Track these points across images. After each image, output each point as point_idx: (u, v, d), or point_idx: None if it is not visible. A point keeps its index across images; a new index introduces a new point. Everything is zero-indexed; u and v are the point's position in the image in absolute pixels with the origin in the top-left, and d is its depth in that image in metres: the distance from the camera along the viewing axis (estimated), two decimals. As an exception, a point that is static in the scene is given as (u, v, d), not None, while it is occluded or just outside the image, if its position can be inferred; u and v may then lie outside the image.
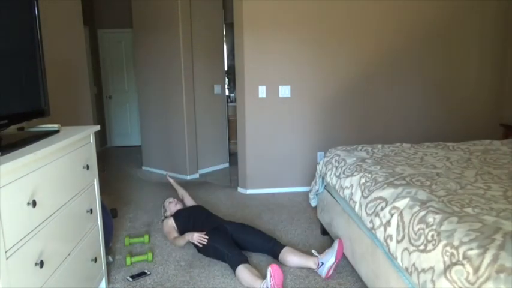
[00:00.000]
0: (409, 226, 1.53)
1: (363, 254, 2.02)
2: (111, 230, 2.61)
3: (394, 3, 3.89)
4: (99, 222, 2.13)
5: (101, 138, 6.59)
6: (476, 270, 1.13)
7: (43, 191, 1.46)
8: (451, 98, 4.16)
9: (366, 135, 4.12)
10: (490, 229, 1.27)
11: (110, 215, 2.66)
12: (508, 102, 4.17)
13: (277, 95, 3.94)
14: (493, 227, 1.29)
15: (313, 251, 2.43)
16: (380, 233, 1.72)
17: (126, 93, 6.75)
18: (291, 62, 3.90)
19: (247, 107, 3.94)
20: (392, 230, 1.63)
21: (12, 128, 1.69)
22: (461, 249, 1.21)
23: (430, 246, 1.36)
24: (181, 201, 3.20)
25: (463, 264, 1.18)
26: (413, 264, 1.43)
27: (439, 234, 1.34)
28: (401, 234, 1.56)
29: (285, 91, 3.93)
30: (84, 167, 1.90)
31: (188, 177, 4.67)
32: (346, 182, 2.24)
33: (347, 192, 2.20)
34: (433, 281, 1.29)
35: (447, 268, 1.24)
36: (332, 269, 2.29)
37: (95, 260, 2.02)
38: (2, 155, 1.27)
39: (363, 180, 2.08)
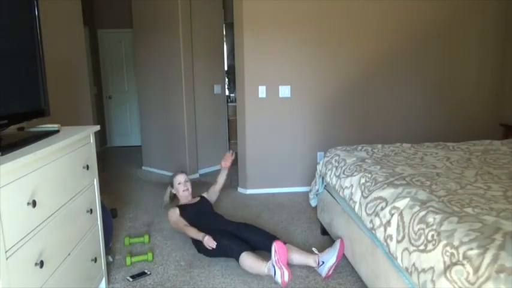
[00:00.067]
0: (409, 226, 1.53)
1: (363, 254, 2.02)
2: (111, 230, 2.61)
3: (394, 3, 3.89)
4: (99, 222, 2.13)
5: (101, 138, 6.59)
6: (476, 270, 1.13)
7: (43, 191, 1.46)
8: (451, 98, 4.16)
9: (366, 135, 4.11)
10: (490, 229, 1.27)
11: (110, 215, 2.66)
12: (508, 102, 4.17)
13: (277, 95, 3.94)
14: (493, 227, 1.29)
15: (313, 249, 2.43)
16: (380, 233, 1.72)
17: (126, 93, 6.75)
18: (291, 62, 3.90)
19: (247, 107, 3.94)
20: (392, 230, 1.63)
21: (12, 128, 1.69)
22: (461, 249, 1.21)
23: (430, 246, 1.35)
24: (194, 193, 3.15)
25: (463, 264, 1.18)
26: (413, 264, 1.43)
27: (439, 234, 1.34)
28: (401, 234, 1.56)
29: (285, 91, 3.93)
30: (84, 167, 1.89)
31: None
32: (346, 182, 2.24)
33: (347, 192, 2.20)
34: (433, 281, 1.29)
35: (447, 268, 1.24)
36: (332, 268, 2.29)
37: (95, 260, 2.02)
38: (2, 155, 1.27)
39: (363, 180, 2.08)
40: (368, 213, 1.88)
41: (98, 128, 2.08)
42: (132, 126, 6.83)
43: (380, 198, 1.82)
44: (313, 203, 3.00)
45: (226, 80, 5.86)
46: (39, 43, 1.75)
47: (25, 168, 1.33)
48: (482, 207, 1.47)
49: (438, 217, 1.42)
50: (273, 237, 2.55)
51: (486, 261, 1.13)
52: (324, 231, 2.91)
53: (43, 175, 1.46)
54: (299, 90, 3.96)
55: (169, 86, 4.61)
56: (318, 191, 2.88)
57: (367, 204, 1.91)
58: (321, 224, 2.92)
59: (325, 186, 2.79)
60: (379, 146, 2.75)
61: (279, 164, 4.07)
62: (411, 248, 1.46)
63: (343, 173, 2.34)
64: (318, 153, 4.09)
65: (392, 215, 1.66)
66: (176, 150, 4.71)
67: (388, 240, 1.64)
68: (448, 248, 1.27)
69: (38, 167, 1.42)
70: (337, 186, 2.38)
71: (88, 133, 1.95)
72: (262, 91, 3.91)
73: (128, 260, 2.51)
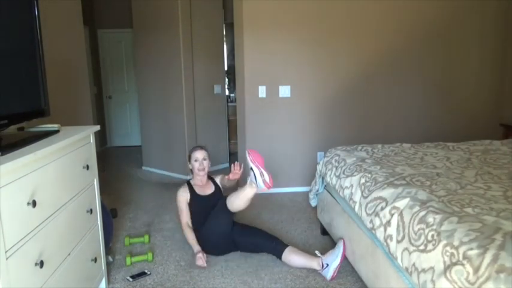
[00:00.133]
0: (409, 226, 1.53)
1: (363, 254, 2.02)
2: (111, 230, 2.61)
3: (394, 3, 3.89)
4: (99, 222, 2.13)
5: (101, 138, 6.59)
6: (476, 270, 1.13)
7: (43, 191, 1.45)
8: (451, 98, 4.16)
9: (366, 135, 4.11)
10: (490, 229, 1.27)
11: (110, 215, 2.66)
12: (508, 102, 4.17)
13: (277, 95, 3.94)
14: (493, 227, 1.29)
15: (316, 252, 2.42)
16: (380, 233, 1.72)
17: (126, 93, 6.75)
18: (291, 62, 3.89)
19: (247, 107, 3.94)
20: (392, 230, 1.63)
21: (12, 128, 1.69)
22: (461, 249, 1.21)
23: (430, 246, 1.35)
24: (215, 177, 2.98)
25: (463, 264, 1.18)
26: (413, 264, 1.43)
27: (439, 234, 1.34)
28: (401, 234, 1.56)
29: (285, 91, 3.93)
30: (84, 167, 1.89)
31: (188, 177, 4.66)
32: (346, 182, 2.24)
33: (347, 192, 2.20)
34: (433, 281, 1.29)
35: (447, 268, 1.24)
36: (337, 270, 2.28)
37: (95, 260, 2.02)
38: (2, 155, 1.27)
39: (363, 180, 2.08)
40: (368, 213, 1.88)
41: (98, 128, 2.08)
42: (132, 126, 6.83)
43: (380, 198, 1.82)
44: (313, 203, 3.00)
45: (226, 80, 5.85)
46: (39, 43, 1.75)
47: (25, 168, 1.33)
48: (482, 207, 1.47)
49: (438, 217, 1.42)
50: (273, 239, 2.54)
51: (486, 261, 1.12)
52: (324, 231, 2.91)
53: (43, 175, 1.46)
54: (299, 90, 3.95)
55: (169, 86, 4.61)
56: (318, 191, 2.88)
57: (367, 204, 1.91)
58: (321, 224, 2.92)
59: (325, 186, 2.79)
60: (379, 146, 2.75)
61: (279, 164, 4.07)
62: (411, 248, 1.46)
63: (343, 173, 2.34)
64: (318, 153, 4.09)
65: (392, 215, 1.66)
66: (176, 150, 4.70)
67: (388, 240, 1.64)
68: (448, 248, 1.27)
69: (38, 167, 1.42)
70: (337, 186, 2.38)
71: (88, 133, 1.95)
72: (262, 91, 3.91)
73: (128, 260, 2.51)
